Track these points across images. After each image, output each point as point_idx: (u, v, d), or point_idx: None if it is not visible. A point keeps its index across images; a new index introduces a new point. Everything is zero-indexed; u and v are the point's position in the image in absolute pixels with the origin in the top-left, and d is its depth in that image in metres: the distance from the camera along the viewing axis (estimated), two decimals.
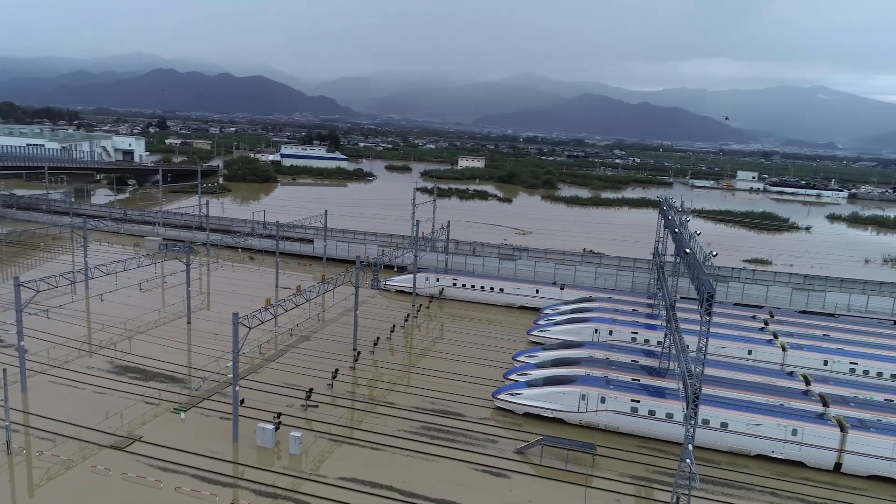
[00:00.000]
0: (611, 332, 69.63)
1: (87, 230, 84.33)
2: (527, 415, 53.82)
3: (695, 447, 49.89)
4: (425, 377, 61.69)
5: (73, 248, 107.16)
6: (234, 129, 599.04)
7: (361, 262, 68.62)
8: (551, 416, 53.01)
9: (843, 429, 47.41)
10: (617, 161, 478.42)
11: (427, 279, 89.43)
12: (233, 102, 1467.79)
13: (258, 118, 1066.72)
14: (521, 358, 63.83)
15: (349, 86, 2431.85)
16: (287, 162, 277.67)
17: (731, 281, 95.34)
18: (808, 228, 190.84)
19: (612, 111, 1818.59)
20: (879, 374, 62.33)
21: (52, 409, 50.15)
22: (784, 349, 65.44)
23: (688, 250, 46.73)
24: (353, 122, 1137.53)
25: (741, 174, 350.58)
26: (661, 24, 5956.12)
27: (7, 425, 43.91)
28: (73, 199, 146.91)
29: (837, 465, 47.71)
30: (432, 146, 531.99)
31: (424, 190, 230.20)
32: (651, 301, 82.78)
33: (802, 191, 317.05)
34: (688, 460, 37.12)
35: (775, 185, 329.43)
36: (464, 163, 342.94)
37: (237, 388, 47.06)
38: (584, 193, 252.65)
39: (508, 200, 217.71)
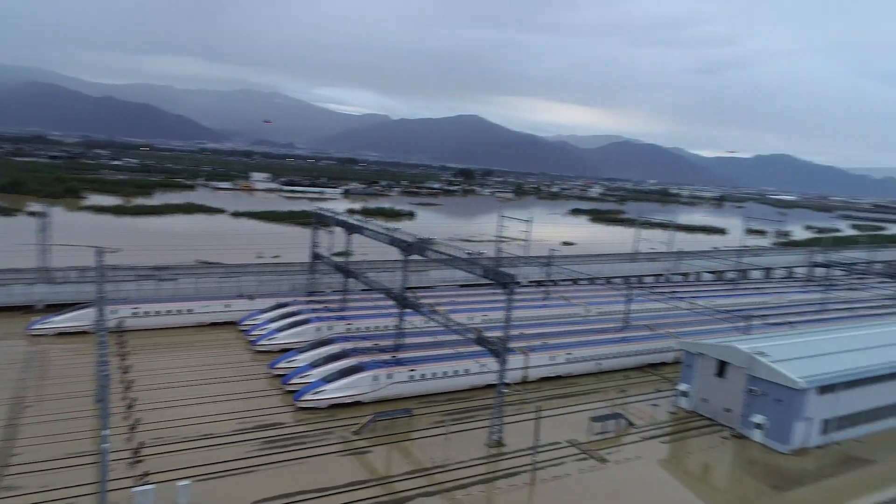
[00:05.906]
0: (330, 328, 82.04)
1: None
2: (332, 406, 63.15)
3: None
4: None
5: None
6: None
7: None
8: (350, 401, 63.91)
9: None
10: (114, 162, 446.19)
11: None
12: None
13: None
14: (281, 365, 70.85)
15: None
16: None
17: None
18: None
19: (69, 103, 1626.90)
20: None
21: None
22: None
23: None
24: None
25: (255, 175, 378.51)
26: (120, 17, 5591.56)
27: None
28: None
29: None
30: None
31: None
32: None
33: (310, 189, 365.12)
34: None
35: (287, 184, 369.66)
36: None
37: None
38: (114, 200, 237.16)
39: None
